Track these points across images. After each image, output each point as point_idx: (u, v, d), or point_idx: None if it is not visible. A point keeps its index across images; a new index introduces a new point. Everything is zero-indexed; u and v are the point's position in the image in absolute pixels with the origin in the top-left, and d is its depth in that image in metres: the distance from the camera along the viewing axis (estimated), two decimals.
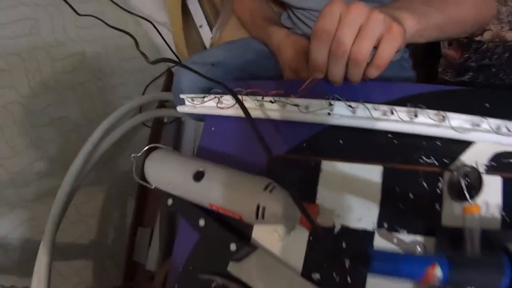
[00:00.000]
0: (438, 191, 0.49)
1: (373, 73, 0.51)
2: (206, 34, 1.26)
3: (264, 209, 0.47)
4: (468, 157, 0.50)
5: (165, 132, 1.64)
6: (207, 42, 1.27)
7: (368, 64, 0.50)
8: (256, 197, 0.47)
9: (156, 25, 1.29)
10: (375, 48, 0.49)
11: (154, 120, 1.62)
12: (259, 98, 0.57)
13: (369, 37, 0.47)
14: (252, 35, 0.97)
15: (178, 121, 1.60)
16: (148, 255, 1.45)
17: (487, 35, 0.80)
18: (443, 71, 0.92)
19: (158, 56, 1.57)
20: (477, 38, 0.81)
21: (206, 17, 1.24)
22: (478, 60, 0.82)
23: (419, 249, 0.48)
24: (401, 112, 0.51)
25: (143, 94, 1.56)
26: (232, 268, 0.52)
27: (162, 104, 1.56)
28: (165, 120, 1.61)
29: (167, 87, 1.66)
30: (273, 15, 0.97)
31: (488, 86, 0.82)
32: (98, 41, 1.35)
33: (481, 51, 0.81)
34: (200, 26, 1.24)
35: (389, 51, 0.48)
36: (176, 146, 1.57)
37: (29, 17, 1.11)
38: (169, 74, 1.65)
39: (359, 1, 0.48)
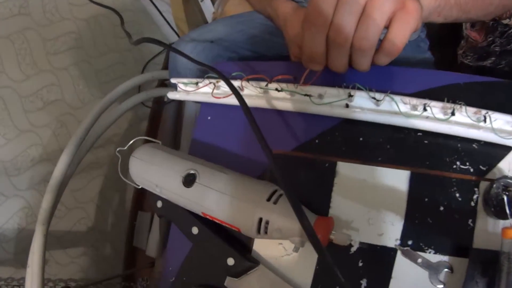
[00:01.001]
0: (473, 204, 0.42)
1: (384, 61, 0.42)
2: (208, 9, 1.18)
3: (267, 223, 0.39)
4: (507, 165, 0.42)
5: (166, 112, 1.57)
6: (209, 17, 1.20)
7: (378, 49, 0.41)
8: (257, 209, 0.39)
9: (153, 0, 1.20)
10: (386, 28, 0.40)
11: (154, 99, 1.54)
12: (263, 84, 0.48)
13: (376, 18, 0.37)
14: (256, 9, 0.88)
15: (179, 101, 1.52)
16: (148, 240, 1.41)
17: None
18: (463, 54, 0.85)
19: (157, 33, 1.49)
20: (505, 21, 0.73)
21: None
22: (503, 44, 0.76)
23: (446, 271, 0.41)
24: (435, 108, 0.42)
25: (142, 72, 1.48)
26: (230, 284, 0.45)
27: (162, 83, 1.48)
28: (166, 99, 1.54)
29: (167, 64, 1.58)
30: None
31: (510, 72, 0.75)
32: (92, 18, 1.28)
33: (507, 35, 0.74)
34: (202, 0, 1.16)
35: (402, 34, 0.39)
36: (177, 126, 1.50)
37: None
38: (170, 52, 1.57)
39: None
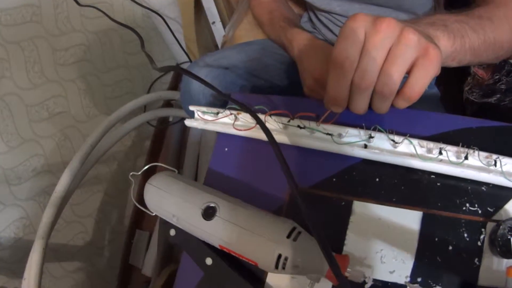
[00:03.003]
0: (479, 243, 0.43)
1: (402, 105, 0.43)
2: (219, 31, 1.20)
3: (286, 259, 0.39)
4: None
5: (170, 132, 1.57)
6: (219, 40, 1.21)
7: (398, 93, 0.42)
8: (277, 245, 0.40)
9: (166, 19, 1.22)
10: (407, 73, 0.40)
11: (158, 118, 1.55)
12: (285, 120, 0.49)
13: (399, 65, 0.38)
14: (270, 37, 0.89)
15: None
16: (145, 259, 1.40)
17: None
18: (469, 90, 0.87)
19: (166, 52, 1.51)
20: None
21: (219, 14, 1.17)
22: (509, 83, 0.78)
23: None
24: (450, 152, 0.43)
25: (149, 91, 1.49)
26: None
27: (168, 103, 1.49)
28: (170, 119, 1.54)
29: (174, 84, 1.59)
30: (294, 17, 0.89)
31: None
32: (103, 32, 1.28)
33: None
34: (213, 23, 1.17)
35: (423, 81, 0.39)
36: (181, 147, 1.50)
37: (31, 3, 1.04)
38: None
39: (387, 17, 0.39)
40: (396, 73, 0.39)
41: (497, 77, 0.79)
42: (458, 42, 0.47)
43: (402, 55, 0.38)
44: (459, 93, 0.91)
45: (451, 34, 0.46)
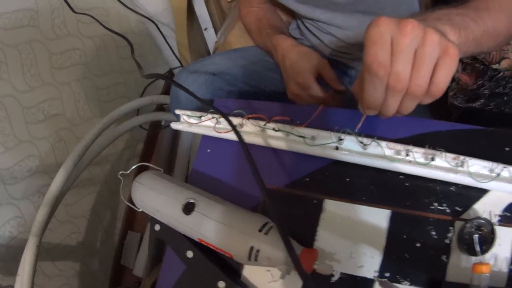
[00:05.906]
0: (447, 241, 0.46)
1: (427, 101, 0.44)
2: (211, 38, 1.22)
3: (258, 251, 0.42)
4: (482, 206, 0.46)
5: (162, 135, 1.59)
6: (211, 46, 1.24)
7: None
8: (249, 238, 0.43)
9: (159, 25, 1.24)
10: None
11: (151, 122, 1.57)
12: (262, 123, 0.53)
13: (428, 65, 0.39)
14: (257, 44, 0.92)
15: None
16: (136, 260, 1.42)
17: (504, 63, 0.77)
18: (453, 96, 0.89)
19: (159, 57, 1.53)
20: (494, 66, 0.78)
21: (212, 20, 1.20)
22: (492, 88, 0.79)
23: None
24: (417, 154, 0.46)
25: (142, 95, 1.51)
26: None
27: (161, 107, 1.51)
28: (163, 123, 1.56)
29: (167, 89, 1.62)
30: (280, 24, 0.92)
31: (498, 114, 0.78)
32: (98, 37, 1.31)
33: (496, 79, 0.78)
34: (205, 29, 1.20)
35: (447, 78, 0.40)
36: (172, 151, 1.52)
37: (29, 7, 1.07)
38: (170, 76, 1.60)
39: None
40: (427, 74, 0.40)
41: (480, 82, 0.80)
42: (463, 34, 0.48)
43: (429, 55, 0.39)
44: (444, 98, 0.92)
45: (456, 28, 0.47)
